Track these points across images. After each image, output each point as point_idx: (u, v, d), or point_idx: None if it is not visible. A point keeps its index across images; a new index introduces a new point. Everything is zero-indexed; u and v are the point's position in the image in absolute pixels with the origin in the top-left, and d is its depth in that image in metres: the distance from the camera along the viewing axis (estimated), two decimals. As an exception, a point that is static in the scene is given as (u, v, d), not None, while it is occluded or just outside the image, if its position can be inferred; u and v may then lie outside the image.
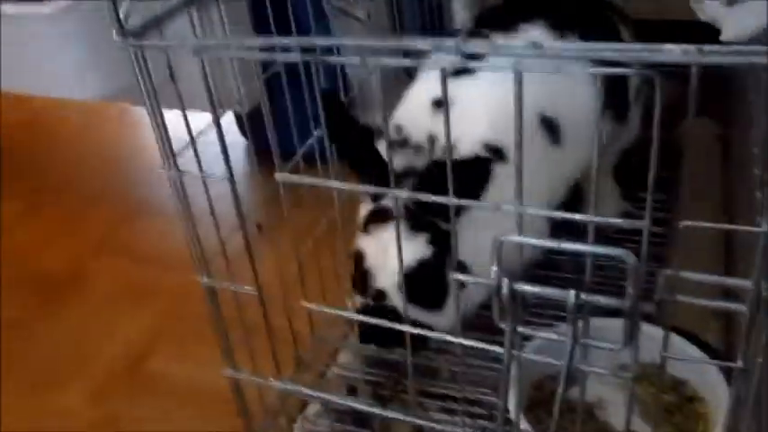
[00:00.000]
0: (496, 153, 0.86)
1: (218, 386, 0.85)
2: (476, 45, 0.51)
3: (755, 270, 0.53)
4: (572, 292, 0.56)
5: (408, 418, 0.78)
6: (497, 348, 0.63)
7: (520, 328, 0.60)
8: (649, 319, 0.59)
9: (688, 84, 0.48)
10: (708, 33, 0.86)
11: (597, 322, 0.74)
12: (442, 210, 0.62)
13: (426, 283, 0.87)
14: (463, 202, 0.61)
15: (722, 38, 0.77)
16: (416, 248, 0.86)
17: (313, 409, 1.01)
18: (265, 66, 0.76)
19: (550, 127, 0.92)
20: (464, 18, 1.36)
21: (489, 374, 0.93)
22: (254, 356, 0.82)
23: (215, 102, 0.65)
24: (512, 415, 0.78)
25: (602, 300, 0.56)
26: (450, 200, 0.60)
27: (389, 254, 0.87)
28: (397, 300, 0.86)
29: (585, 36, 0.97)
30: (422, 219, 0.86)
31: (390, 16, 1.34)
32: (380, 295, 0.88)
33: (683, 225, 0.52)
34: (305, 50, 0.56)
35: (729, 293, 0.62)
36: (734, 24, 0.76)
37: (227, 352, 0.81)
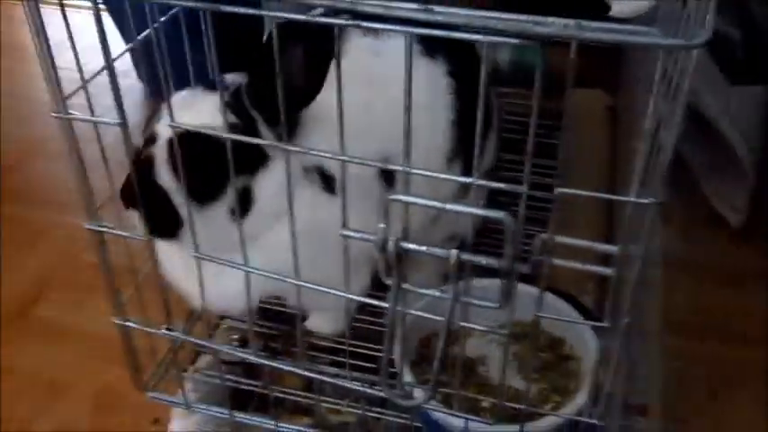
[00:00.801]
0: None
1: (111, 335, 0.85)
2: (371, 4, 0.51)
3: (621, 236, 0.57)
4: (453, 252, 0.58)
5: (296, 370, 0.80)
6: (382, 304, 0.65)
7: (404, 285, 0.63)
8: (530, 280, 0.62)
9: (582, 55, 0.50)
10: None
11: (485, 282, 0.78)
12: None
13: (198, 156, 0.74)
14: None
15: (612, 13, 0.80)
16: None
17: (204, 360, 1.02)
18: (164, 10, 0.75)
19: None
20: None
21: (380, 330, 0.96)
22: (146, 306, 0.82)
23: (107, 46, 0.64)
24: (396, 368, 0.81)
25: (483, 260, 0.59)
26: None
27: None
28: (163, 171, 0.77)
29: None
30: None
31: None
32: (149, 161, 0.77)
33: (558, 192, 0.55)
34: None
35: (608, 258, 0.66)
36: (624, 1, 0.79)
37: (115, 300, 0.80)
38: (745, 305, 1.17)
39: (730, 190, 1.29)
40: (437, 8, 0.50)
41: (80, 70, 0.68)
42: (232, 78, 0.79)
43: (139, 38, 0.73)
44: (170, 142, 0.75)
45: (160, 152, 0.76)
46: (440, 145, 0.90)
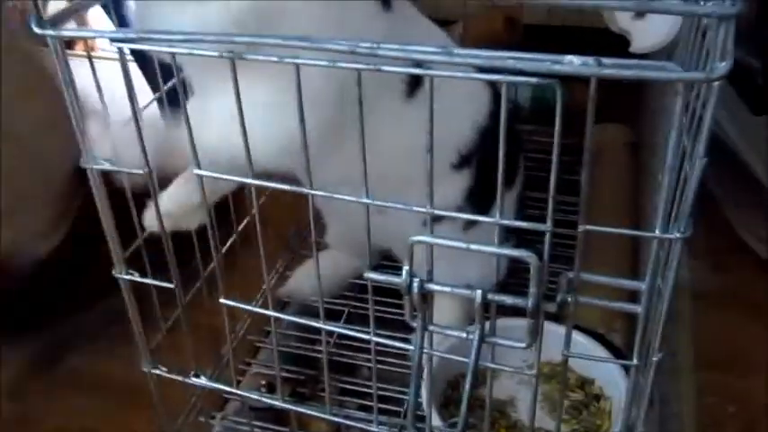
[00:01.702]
0: None
1: (139, 382, 0.85)
2: (391, 48, 0.52)
3: (648, 272, 0.56)
4: (478, 292, 0.58)
5: (324, 416, 0.79)
6: (408, 346, 0.65)
7: (430, 327, 0.62)
8: (557, 318, 0.61)
9: (602, 90, 0.51)
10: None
11: (513, 322, 0.77)
12: None
13: None
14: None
15: (631, 49, 0.80)
16: None
17: (232, 406, 1.02)
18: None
19: None
20: None
21: (407, 372, 0.95)
22: (175, 353, 0.83)
23: (134, 95, 0.65)
24: (424, 411, 0.80)
25: (508, 299, 0.59)
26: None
27: None
28: None
29: None
30: None
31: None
32: None
33: (583, 229, 0.54)
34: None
35: (636, 295, 0.65)
36: (642, 37, 0.79)
37: (145, 347, 0.80)
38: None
39: (757, 220, 1.27)
40: (456, 50, 0.51)
41: (106, 120, 0.70)
42: None
43: (166, 87, 0.75)
44: None
45: None
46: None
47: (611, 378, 0.87)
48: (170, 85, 0.74)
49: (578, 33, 0.96)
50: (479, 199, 0.88)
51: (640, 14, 0.81)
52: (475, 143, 0.87)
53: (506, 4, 1.40)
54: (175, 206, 0.79)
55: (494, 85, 0.89)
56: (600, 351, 0.86)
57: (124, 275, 0.73)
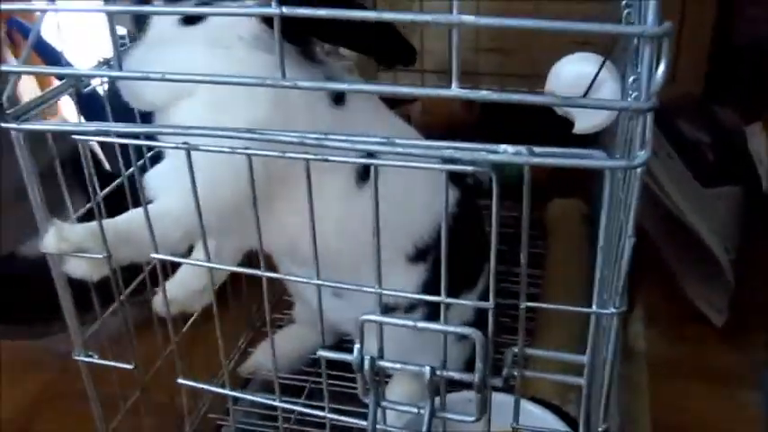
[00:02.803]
0: None
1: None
2: (336, 140, 0.55)
3: (589, 346, 0.59)
4: (427, 368, 0.60)
5: (284, 493, 0.79)
6: (361, 423, 0.66)
7: (383, 403, 0.64)
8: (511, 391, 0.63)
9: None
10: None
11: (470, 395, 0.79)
12: None
13: None
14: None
15: (574, 131, 0.85)
16: None
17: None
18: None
19: None
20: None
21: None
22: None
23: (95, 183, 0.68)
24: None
25: (456, 375, 0.61)
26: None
27: None
28: None
29: None
30: None
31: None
32: None
33: (523, 306, 0.57)
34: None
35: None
36: (583, 119, 0.83)
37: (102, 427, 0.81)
38: (735, 405, 1.17)
39: (711, 291, 1.31)
40: (398, 140, 0.54)
41: (69, 207, 0.72)
42: None
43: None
44: None
45: None
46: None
47: (566, 449, 0.88)
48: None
49: (531, 110, 1.01)
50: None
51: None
52: (433, 238, 0.88)
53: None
54: (181, 292, 0.82)
55: (462, 180, 0.92)
56: (554, 422, 0.87)
57: (83, 357, 0.74)
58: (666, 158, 1.48)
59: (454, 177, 0.88)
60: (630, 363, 1.21)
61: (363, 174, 0.81)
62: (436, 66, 1.54)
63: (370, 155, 0.55)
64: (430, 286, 0.89)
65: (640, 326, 1.29)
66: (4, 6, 0.57)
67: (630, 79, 0.63)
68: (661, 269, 1.38)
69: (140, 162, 0.78)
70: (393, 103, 1.61)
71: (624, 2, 0.83)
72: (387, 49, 0.79)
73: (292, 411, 0.98)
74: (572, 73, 0.78)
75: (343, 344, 1.04)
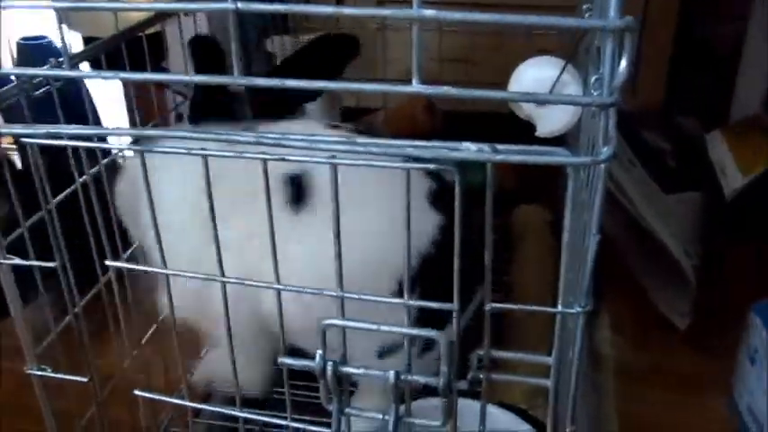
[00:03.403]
0: None
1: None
2: (295, 139, 0.54)
3: (555, 347, 0.58)
4: (392, 373, 0.59)
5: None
6: (326, 430, 0.64)
7: (347, 410, 0.62)
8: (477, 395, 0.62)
9: (522, 172, 0.53)
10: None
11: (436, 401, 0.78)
12: None
13: None
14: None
15: (537, 134, 0.85)
16: None
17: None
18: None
19: None
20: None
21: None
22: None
23: (45, 189, 0.66)
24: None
25: (421, 379, 0.59)
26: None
27: None
28: None
29: None
30: None
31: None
32: None
33: (489, 308, 0.56)
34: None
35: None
36: (545, 123, 0.83)
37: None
38: (701, 409, 1.18)
39: (674, 295, 1.32)
40: (359, 139, 0.53)
41: (20, 214, 0.70)
42: None
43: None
44: None
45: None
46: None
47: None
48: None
49: (493, 118, 1.01)
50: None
51: (540, 104, 0.85)
52: (416, 270, 0.87)
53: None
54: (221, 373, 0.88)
55: (447, 208, 0.91)
56: (520, 426, 0.87)
57: (36, 371, 0.71)
58: (628, 165, 1.49)
59: (437, 202, 0.88)
60: (598, 368, 1.21)
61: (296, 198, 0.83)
62: (399, 75, 1.54)
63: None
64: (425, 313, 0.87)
65: (607, 332, 1.29)
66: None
67: (593, 79, 0.63)
68: (627, 277, 1.39)
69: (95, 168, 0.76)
70: (356, 113, 1.62)
71: (585, 6, 0.83)
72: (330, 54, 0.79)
73: (256, 423, 0.97)
74: (534, 76, 0.78)
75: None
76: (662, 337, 1.31)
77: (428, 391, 0.61)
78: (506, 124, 0.81)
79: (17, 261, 0.67)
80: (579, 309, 0.57)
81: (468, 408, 0.64)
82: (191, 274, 0.63)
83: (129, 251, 0.94)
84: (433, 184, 0.91)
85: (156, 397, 0.70)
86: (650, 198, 1.41)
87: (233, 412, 0.70)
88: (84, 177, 0.73)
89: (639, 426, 1.12)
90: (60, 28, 0.51)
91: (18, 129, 0.58)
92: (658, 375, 1.24)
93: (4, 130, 0.64)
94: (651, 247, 1.35)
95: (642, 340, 1.30)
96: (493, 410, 0.82)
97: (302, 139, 0.53)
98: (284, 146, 0.53)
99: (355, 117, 1.63)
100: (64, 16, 0.54)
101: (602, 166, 0.52)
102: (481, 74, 1.61)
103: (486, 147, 0.52)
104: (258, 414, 0.69)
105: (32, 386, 0.73)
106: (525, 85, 0.79)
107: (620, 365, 1.24)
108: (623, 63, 0.49)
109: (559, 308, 0.57)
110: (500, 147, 0.52)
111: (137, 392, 0.71)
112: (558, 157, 0.51)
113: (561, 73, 0.76)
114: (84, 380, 0.72)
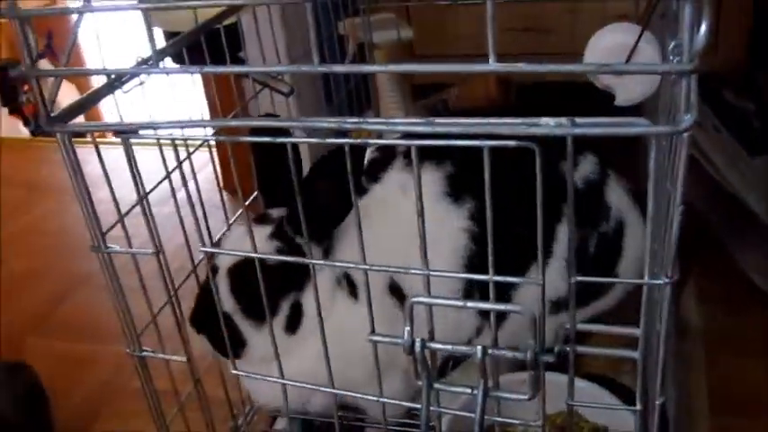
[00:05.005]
0: None
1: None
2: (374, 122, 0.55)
3: (642, 318, 0.58)
4: (479, 347, 0.60)
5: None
6: (415, 405, 0.66)
7: (436, 385, 0.64)
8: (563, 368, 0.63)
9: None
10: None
11: (523, 375, 0.78)
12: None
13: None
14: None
15: (616, 103, 0.84)
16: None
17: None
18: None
19: None
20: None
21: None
22: (191, 427, 0.84)
23: (139, 180, 0.69)
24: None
25: (508, 353, 0.60)
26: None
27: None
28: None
29: None
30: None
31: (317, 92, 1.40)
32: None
33: (573, 280, 0.56)
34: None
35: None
36: (625, 91, 0.82)
37: (160, 424, 0.82)
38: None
39: (763, 260, 1.28)
40: (437, 119, 0.54)
41: (116, 205, 0.73)
42: (277, 212, 0.90)
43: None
44: (229, 271, 0.85)
45: (222, 282, 0.86)
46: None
47: (624, 424, 0.87)
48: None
49: (568, 89, 0.99)
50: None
51: (619, 73, 0.84)
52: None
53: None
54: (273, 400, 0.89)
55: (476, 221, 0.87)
56: (607, 397, 0.86)
57: (138, 353, 0.75)
58: (713, 132, 1.45)
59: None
60: (685, 338, 1.19)
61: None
62: (471, 51, 1.53)
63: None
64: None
65: (694, 301, 1.27)
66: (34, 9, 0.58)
67: (671, 45, 0.62)
68: (712, 245, 1.35)
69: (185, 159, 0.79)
70: (428, 90, 1.62)
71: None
72: None
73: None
74: (611, 43, 0.77)
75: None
76: (751, 305, 1.28)
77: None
78: (583, 96, 0.80)
79: (117, 249, 0.70)
80: (666, 279, 0.56)
81: (557, 381, 0.65)
82: (281, 257, 0.65)
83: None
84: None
85: (253, 375, 0.73)
86: (735, 162, 1.37)
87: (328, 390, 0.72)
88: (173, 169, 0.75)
89: (729, 396, 1.10)
90: (149, 29, 0.54)
91: (111, 125, 0.61)
92: (748, 343, 1.21)
93: (94, 127, 0.67)
94: (737, 213, 1.31)
95: (730, 308, 1.27)
96: (580, 384, 0.82)
97: (381, 122, 0.54)
98: (363, 129, 0.55)
99: (427, 94, 1.64)
100: (147, 14, 0.56)
101: (685, 135, 0.52)
102: (554, 43, 1.58)
103: (565, 120, 0.52)
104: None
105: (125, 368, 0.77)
106: (602, 53, 0.78)
107: (707, 334, 1.22)
108: (703, 28, 0.48)
109: (646, 279, 0.57)
110: (579, 120, 0.52)
111: (233, 371, 0.74)
112: (639, 127, 0.51)
113: (638, 40, 0.75)
114: (184, 359, 0.76)
